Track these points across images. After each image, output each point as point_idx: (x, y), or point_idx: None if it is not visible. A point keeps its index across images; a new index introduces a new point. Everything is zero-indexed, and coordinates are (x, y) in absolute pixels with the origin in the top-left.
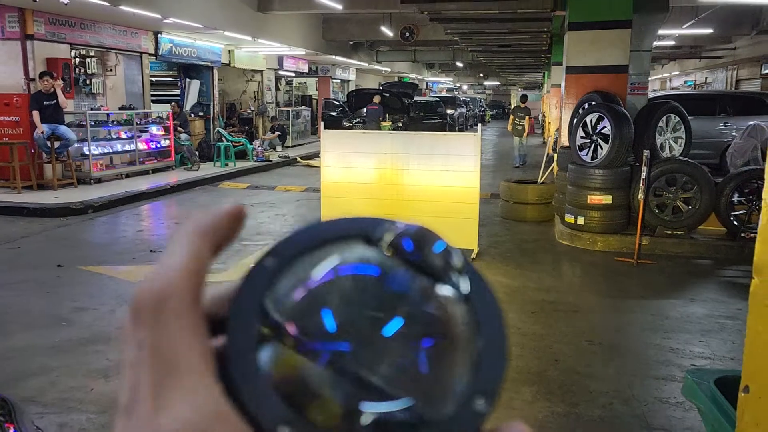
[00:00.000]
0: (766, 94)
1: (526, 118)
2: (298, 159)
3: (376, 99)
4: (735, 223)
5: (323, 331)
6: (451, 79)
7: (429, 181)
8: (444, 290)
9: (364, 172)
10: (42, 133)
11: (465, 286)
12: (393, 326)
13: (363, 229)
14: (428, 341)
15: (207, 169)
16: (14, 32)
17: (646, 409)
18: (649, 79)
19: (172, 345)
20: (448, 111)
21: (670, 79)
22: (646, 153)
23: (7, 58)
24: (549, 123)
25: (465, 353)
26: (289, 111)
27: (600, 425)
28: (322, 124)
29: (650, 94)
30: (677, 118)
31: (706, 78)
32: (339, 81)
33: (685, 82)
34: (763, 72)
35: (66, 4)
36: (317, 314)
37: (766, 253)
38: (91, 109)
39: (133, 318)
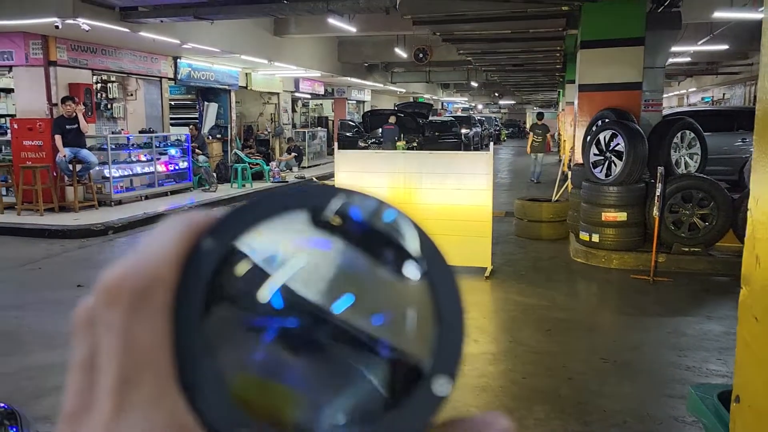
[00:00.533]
0: None
1: (546, 134)
2: (314, 179)
3: (392, 119)
4: None
5: (269, 308)
6: (466, 99)
7: (442, 199)
8: (395, 264)
9: (378, 192)
10: (64, 156)
11: (418, 259)
12: (343, 303)
13: (311, 200)
14: (379, 318)
15: (224, 191)
16: (38, 59)
17: (661, 427)
18: (666, 95)
19: (147, 340)
20: (464, 130)
21: (687, 96)
22: (660, 169)
23: (31, 84)
24: (564, 141)
25: (419, 331)
26: (305, 132)
27: None
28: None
29: (667, 111)
30: (692, 134)
31: (723, 94)
32: (354, 102)
33: (703, 99)
34: None
35: (87, 31)
36: (263, 291)
37: (753, 264)
38: (112, 132)
39: (107, 299)
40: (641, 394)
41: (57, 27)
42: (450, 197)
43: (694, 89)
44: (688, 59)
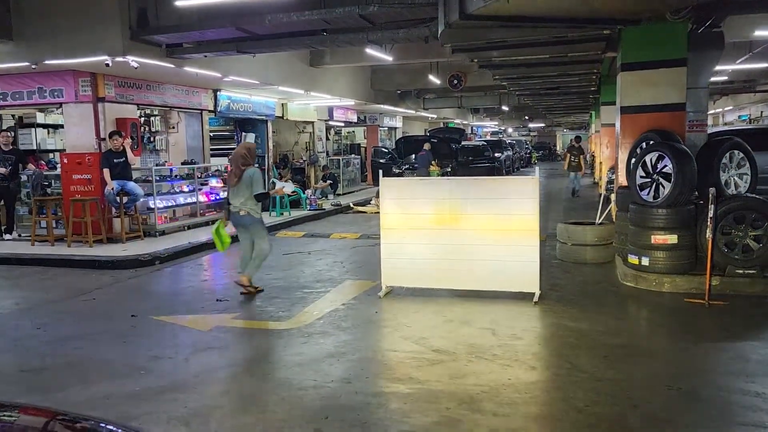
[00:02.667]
0: None
1: (580, 156)
2: (351, 205)
3: (427, 146)
4: None
5: None
6: (496, 123)
7: (488, 225)
8: None
9: (423, 218)
10: (112, 189)
11: None
12: None
13: None
14: None
15: (264, 219)
16: (87, 95)
17: None
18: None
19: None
20: (496, 154)
21: (723, 114)
22: (712, 190)
23: (80, 120)
24: (600, 162)
25: None
26: (339, 159)
27: None
28: (371, 171)
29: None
30: (741, 154)
31: (761, 112)
32: (386, 129)
33: (739, 117)
34: None
35: (136, 68)
36: None
37: None
38: (156, 164)
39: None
40: (712, 423)
41: (107, 65)
42: (496, 222)
43: (731, 108)
44: (725, 78)
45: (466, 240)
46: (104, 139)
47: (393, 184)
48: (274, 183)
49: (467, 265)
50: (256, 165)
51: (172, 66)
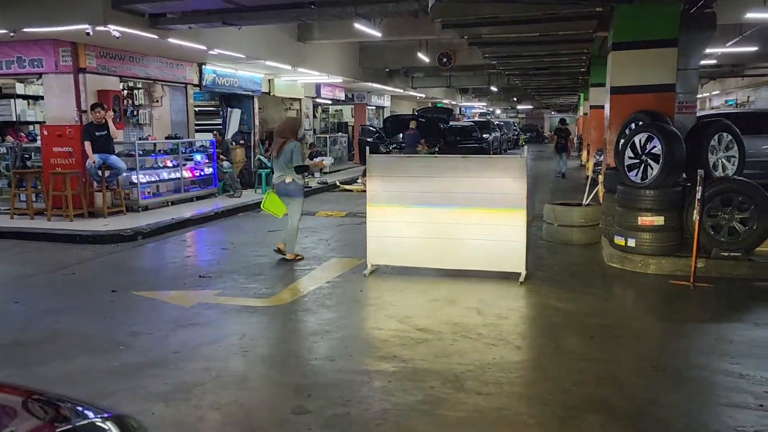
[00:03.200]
0: None
1: (567, 137)
2: (338, 183)
3: (413, 124)
4: None
5: None
6: (485, 104)
7: (476, 204)
8: None
9: (410, 196)
10: (94, 162)
11: None
12: None
13: None
14: None
15: (249, 196)
16: (67, 66)
17: None
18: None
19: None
20: (484, 135)
21: (710, 99)
22: (700, 172)
23: (60, 91)
24: (588, 144)
25: None
26: (326, 138)
27: None
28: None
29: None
30: (729, 137)
31: (748, 97)
32: (374, 107)
33: (726, 102)
34: None
35: (118, 38)
36: None
37: None
38: (140, 138)
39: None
40: (696, 403)
41: (88, 34)
42: (484, 202)
43: (718, 92)
44: (714, 62)
45: (453, 219)
46: (85, 112)
47: (380, 161)
48: (260, 160)
49: (454, 245)
50: (242, 141)
51: (156, 37)
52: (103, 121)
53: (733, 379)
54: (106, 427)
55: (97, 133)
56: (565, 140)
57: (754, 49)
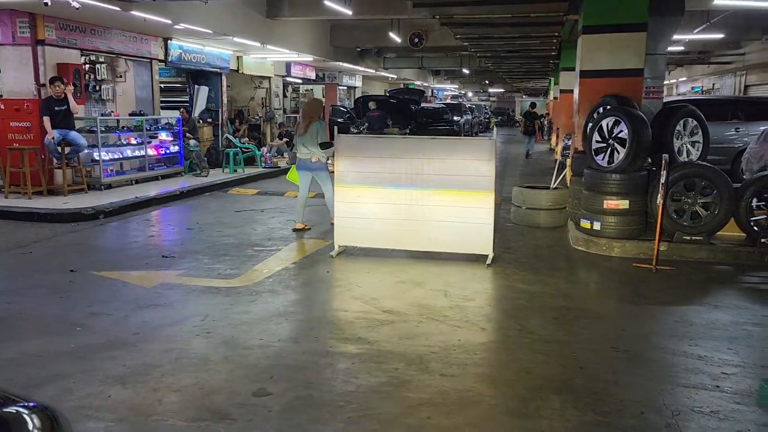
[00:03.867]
0: None
1: (535, 121)
2: None
3: (372, 105)
4: (755, 228)
5: None
6: (456, 86)
7: (444, 185)
8: None
9: (379, 177)
10: (53, 138)
11: None
12: None
13: None
14: None
15: (216, 175)
16: (25, 37)
17: (679, 419)
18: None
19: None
20: (455, 118)
21: (677, 85)
22: (665, 157)
23: (18, 64)
24: (557, 128)
25: None
26: (296, 117)
27: None
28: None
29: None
30: (695, 122)
31: (713, 84)
32: (345, 88)
33: (693, 88)
34: None
35: (77, 9)
36: None
37: None
38: (102, 114)
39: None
40: (656, 384)
41: (46, 4)
42: (452, 183)
43: (684, 79)
44: (681, 48)
45: (422, 201)
46: (44, 85)
47: (349, 141)
48: (228, 139)
49: (422, 226)
50: (209, 119)
51: (118, 9)
52: (63, 95)
53: (692, 361)
54: (29, 419)
55: (56, 108)
56: (533, 123)
57: (720, 36)
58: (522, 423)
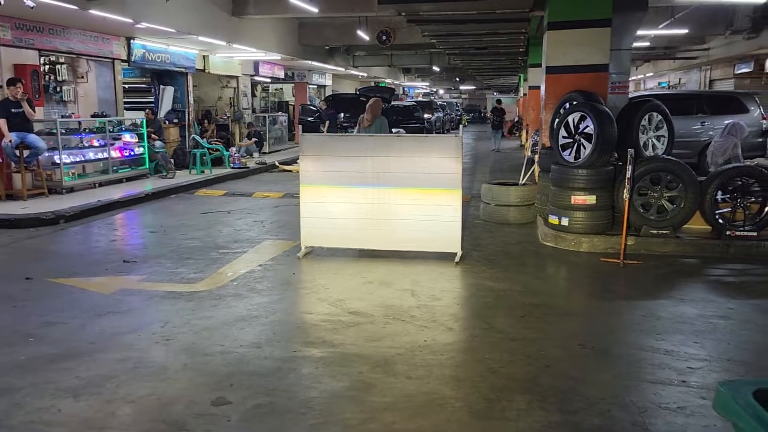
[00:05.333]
0: (741, 94)
1: (502, 116)
2: (277, 163)
3: (322, 105)
4: (720, 221)
5: None
6: (428, 84)
7: (411, 183)
8: None
9: (345, 176)
10: (10, 141)
11: None
12: None
13: None
14: None
15: (182, 177)
16: None
17: (646, 415)
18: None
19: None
20: (426, 115)
21: (644, 81)
22: (630, 151)
23: None
24: (527, 125)
25: None
26: (265, 117)
27: None
28: (299, 129)
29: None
30: (659, 117)
31: (679, 79)
32: (315, 86)
33: (659, 84)
34: (737, 72)
35: (32, 8)
36: None
37: None
38: (62, 116)
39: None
40: (622, 381)
41: (0, 4)
42: (419, 181)
43: (651, 74)
44: (647, 44)
45: (389, 199)
46: (1, 87)
47: (314, 140)
48: (195, 140)
49: (389, 225)
50: (176, 120)
51: (75, 7)
52: (21, 97)
53: (659, 356)
54: None
55: (13, 110)
56: (500, 119)
57: (684, 31)
58: (487, 425)
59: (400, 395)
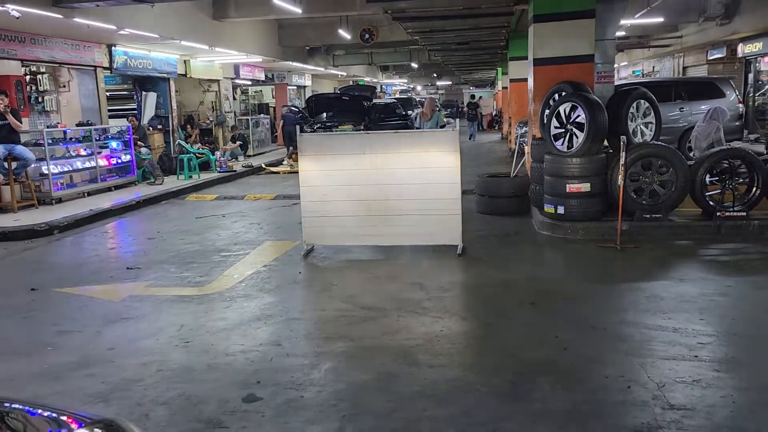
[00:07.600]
0: (718, 79)
1: (477, 109)
2: (263, 166)
3: (284, 110)
4: (710, 203)
5: None
6: (405, 81)
7: (410, 179)
8: None
9: (345, 174)
10: None
11: None
12: None
13: None
14: None
15: (171, 183)
16: None
17: (665, 389)
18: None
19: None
20: (407, 112)
21: (618, 70)
22: (623, 139)
23: None
24: (510, 117)
25: None
26: (248, 120)
27: (625, 410)
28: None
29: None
30: (647, 104)
31: (653, 67)
32: (295, 87)
33: (633, 72)
34: (709, 58)
35: (17, 18)
36: None
37: None
38: (48, 126)
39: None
40: (637, 359)
41: None
42: (418, 176)
43: (625, 63)
44: (623, 33)
45: (388, 195)
46: None
47: (311, 140)
48: (180, 145)
49: (391, 221)
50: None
51: (60, 17)
52: (3, 109)
53: (668, 334)
54: None
55: None
56: (474, 112)
57: (660, 20)
58: (516, 407)
59: (426, 384)
